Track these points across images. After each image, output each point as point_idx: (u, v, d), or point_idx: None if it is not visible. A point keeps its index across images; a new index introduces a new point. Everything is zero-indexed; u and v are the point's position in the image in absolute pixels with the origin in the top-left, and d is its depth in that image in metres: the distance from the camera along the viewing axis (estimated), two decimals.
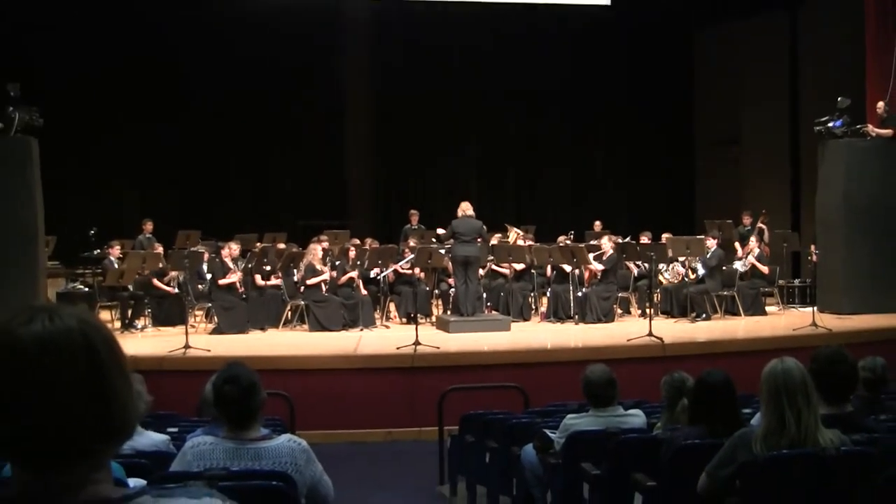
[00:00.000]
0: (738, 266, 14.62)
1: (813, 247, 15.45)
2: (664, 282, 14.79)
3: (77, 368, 1.37)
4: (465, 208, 13.17)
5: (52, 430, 1.36)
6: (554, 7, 19.63)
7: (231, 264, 13.24)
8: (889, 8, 14.92)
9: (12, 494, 1.40)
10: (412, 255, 13.97)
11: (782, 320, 13.91)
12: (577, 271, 14.02)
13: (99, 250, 13.95)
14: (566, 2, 19.50)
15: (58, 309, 1.42)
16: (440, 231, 14.80)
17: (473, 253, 13.14)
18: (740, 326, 13.53)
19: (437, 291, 15.07)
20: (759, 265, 14.58)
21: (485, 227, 13.60)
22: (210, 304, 13.43)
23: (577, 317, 13.76)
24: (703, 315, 13.73)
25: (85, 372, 1.38)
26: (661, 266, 14.61)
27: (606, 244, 14.00)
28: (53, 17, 18.47)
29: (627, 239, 15.35)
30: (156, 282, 13.69)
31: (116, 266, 13.75)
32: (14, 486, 1.41)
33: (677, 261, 14.69)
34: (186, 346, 10.79)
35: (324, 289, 13.31)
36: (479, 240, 13.24)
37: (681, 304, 14.08)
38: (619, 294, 14.43)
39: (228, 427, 4.03)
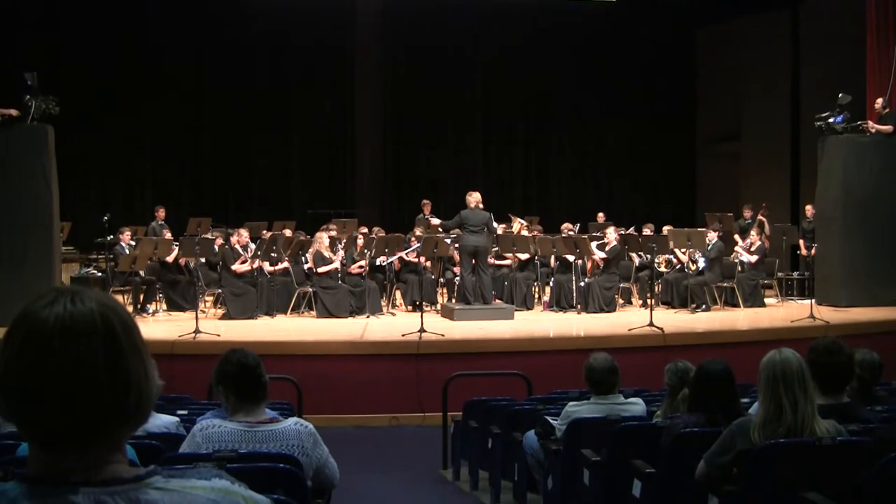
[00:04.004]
0: (744, 258, 14.74)
1: (802, 241, 15.63)
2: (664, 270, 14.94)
3: (96, 351, 1.38)
4: (476, 199, 13.26)
5: (71, 412, 1.37)
6: (559, 3, 19.80)
7: (241, 251, 13.44)
8: (890, 5, 14.99)
9: (32, 473, 1.41)
10: (418, 244, 14.14)
11: (781, 312, 14.03)
12: (580, 262, 14.18)
13: (112, 236, 14.12)
14: None
15: (79, 292, 1.43)
16: (434, 221, 14.88)
17: (482, 243, 13.26)
18: (739, 317, 13.61)
19: (442, 280, 15.18)
20: (749, 256, 14.71)
21: (492, 217, 13.73)
22: (220, 290, 13.63)
23: (579, 306, 13.90)
24: (703, 306, 13.85)
25: (104, 354, 1.39)
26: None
27: (612, 234, 14.10)
28: (70, 5, 18.61)
29: (630, 230, 15.48)
30: (169, 259, 13.79)
31: (127, 252, 13.92)
32: (32, 466, 1.42)
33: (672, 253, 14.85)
34: (197, 331, 10.89)
35: (338, 276, 13.48)
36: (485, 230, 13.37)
37: (681, 294, 14.18)
38: (621, 284, 14.58)
39: (238, 405, 4.10)
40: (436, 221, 14.68)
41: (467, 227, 13.10)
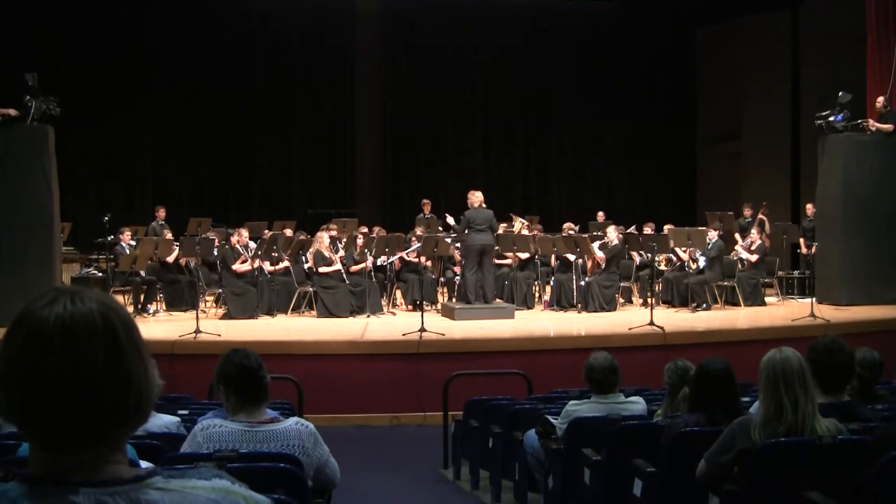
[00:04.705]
0: (743, 256, 14.72)
1: (802, 240, 15.63)
2: (665, 269, 14.94)
3: (96, 350, 1.38)
4: (479, 198, 13.27)
5: (71, 411, 1.37)
6: (559, 3, 19.81)
7: (242, 250, 13.44)
8: (890, 4, 14.98)
9: (32, 474, 1.41)
10: (418, 244, 14.15)
11: (781, 311, 14.01)
12: (580, 261, 14.18)
13: (112, 237, 14.14)
14: None
15: (80, 292, 1.43)
16: (449, 218, 14.85)
17: (489, 242, 13.31)
18: (740, 316, 13.60)
19: (442, 279, 15.20)
20: (748, 255, 14.70)
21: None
22: (221, 290, 13.63)
23: (579, 305, 13.89)
24: (704, 305, 13.84)
25: (104, 354, 1.38)
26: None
27: (612, 233, 14.10)
28: (70, 5, 18.60)
29: (631, 229, 15.48)
30: (169, 259, 13.82)
31: (128, 252, 13.94)
32: (33, 466, 1.42)
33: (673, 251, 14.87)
34: (197, 331, 10.89)
35: (344, 276, 13.47)
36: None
37: (682, 293, 14.18)
38: (622, 283, 14.58)
39: (239, 406, 4.10)
40: (451, 220, 14.53)
41: (473, 226, 13.12)
